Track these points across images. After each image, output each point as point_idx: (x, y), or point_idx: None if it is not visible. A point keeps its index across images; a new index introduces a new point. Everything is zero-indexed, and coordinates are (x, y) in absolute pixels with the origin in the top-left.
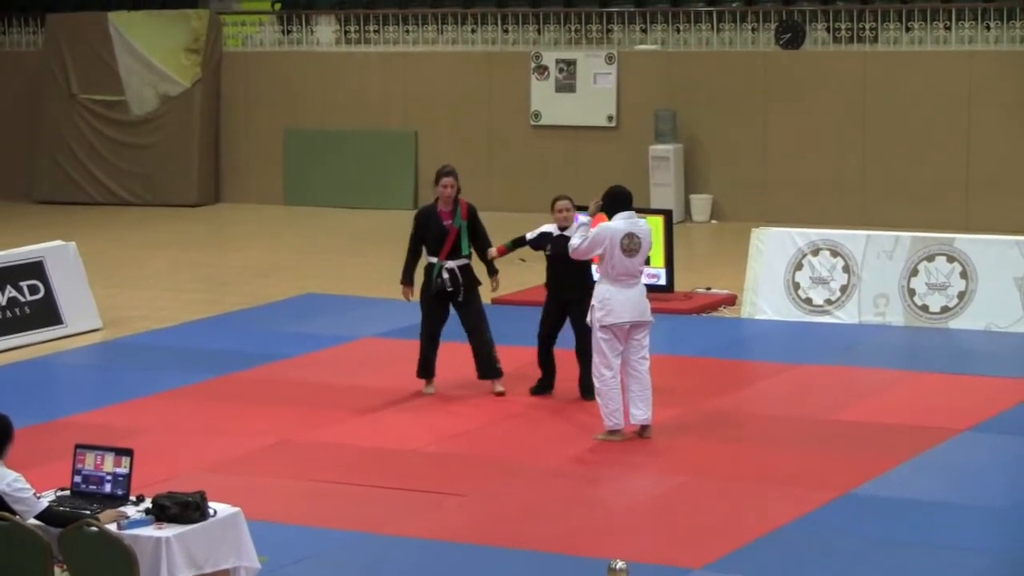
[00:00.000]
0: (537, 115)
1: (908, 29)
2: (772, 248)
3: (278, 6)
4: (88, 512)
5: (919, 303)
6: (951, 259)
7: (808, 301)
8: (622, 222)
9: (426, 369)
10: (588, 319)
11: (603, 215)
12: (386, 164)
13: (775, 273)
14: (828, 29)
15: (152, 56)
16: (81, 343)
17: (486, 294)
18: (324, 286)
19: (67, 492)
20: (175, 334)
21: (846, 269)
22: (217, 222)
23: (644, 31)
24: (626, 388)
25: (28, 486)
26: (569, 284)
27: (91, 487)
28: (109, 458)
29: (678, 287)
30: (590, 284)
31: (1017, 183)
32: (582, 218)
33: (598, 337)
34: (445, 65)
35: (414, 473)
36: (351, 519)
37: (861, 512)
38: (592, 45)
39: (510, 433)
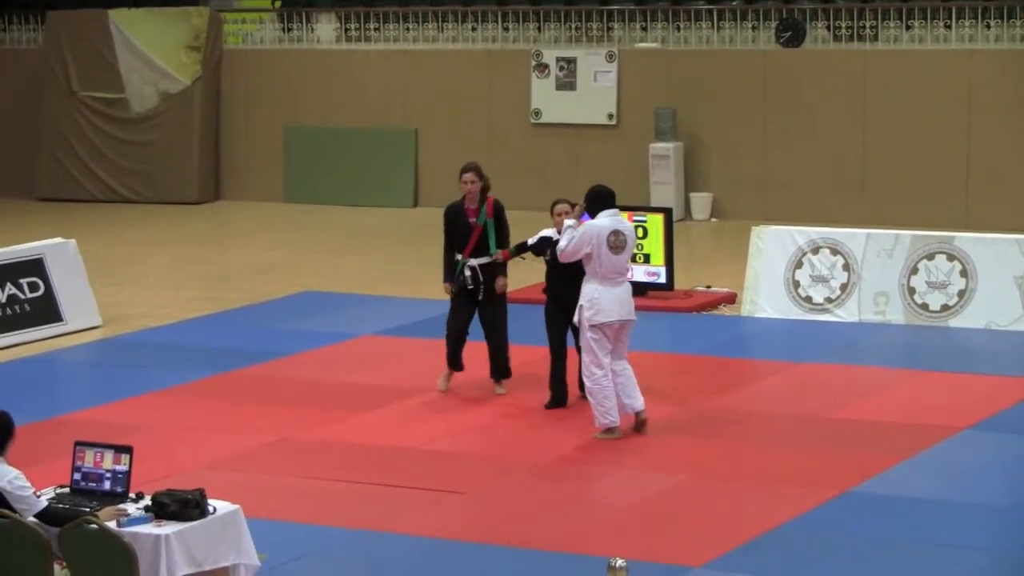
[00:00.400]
0: (537, 113)
1: (908, 27)
2: (772, 246)
3: (278, 4)
4: (87, 510)
5: (919, 301)
6: (951, 257)
7: (808, 299)
8: (607, 220)
9: (453, 359)
10: (576, 319)
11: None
12: (386, 162)
13: (775, 271)
14: (828, 27)
15: (152, 53)
16: (81, 340)
17: None
18: (324, 284)
19: (67, 489)
20: (175, 331)
21: (846, 267)
22: (217, 219)
23: (644, 29)
24: (614, 384)
25: (28, 484)
26: (569, 287)
27: (90, 484)
28: (108, 455)
29: (678, 285)
30: None
31: (1017, 181)
32: (568, 221)
33: (588, 337)
34: (445, 63)
35: (413, 471)
36: (350, 517)
37: (861, 511)
38: (592, 43)
39: (510, 431)
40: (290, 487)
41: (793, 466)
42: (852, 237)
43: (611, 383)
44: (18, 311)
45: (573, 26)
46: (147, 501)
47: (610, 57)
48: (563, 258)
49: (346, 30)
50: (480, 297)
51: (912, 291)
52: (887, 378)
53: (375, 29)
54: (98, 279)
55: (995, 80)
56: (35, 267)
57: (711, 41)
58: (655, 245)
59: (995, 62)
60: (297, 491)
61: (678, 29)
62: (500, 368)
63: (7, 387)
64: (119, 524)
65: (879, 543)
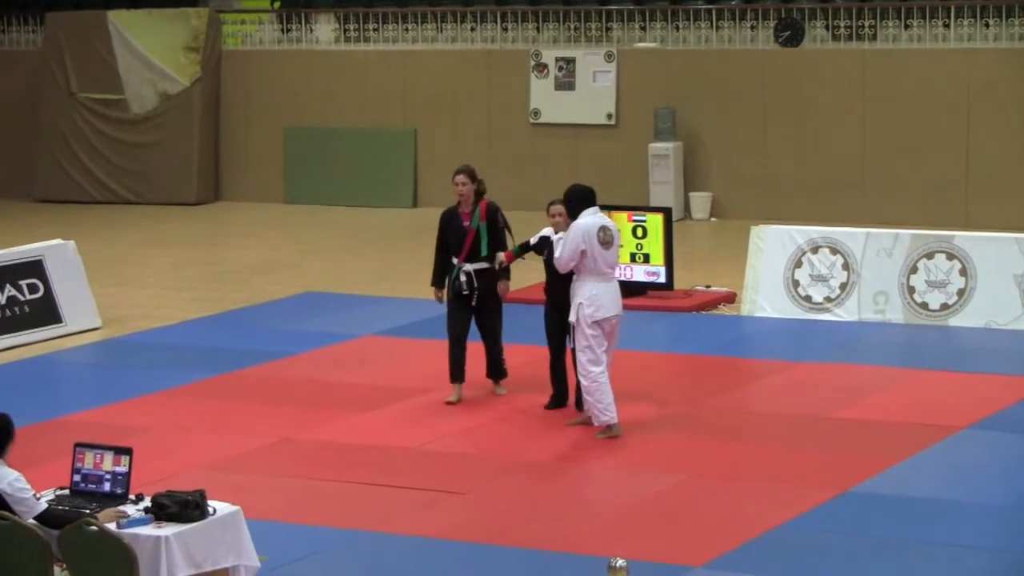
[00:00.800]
0: (536, 113)
1: (907, 27)
2: (772, 246)
3: (277, 4)
4: (87, 511)
5: (919, 300)
6: (950, 256)
7: (808, 299)
8: (591, 218)
9: (455, 372)
10: (574, 317)
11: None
12: (386, 162)
13: (775, 271)
14: (827, 27)
15: (152, 54)
16: (80, 342)
17: None
18: (324, 284)
19: (66, 491)
20: (174, 333)
21: (845, 267)
22: (217, 220)
23: (643, 29)
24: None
25: (28, 486)
26: (567, 289)
27: (90, 486)
28: (108, 457)
29: (678, 285)
30: None
31: (1017, 180)
32: (546, 231)
33: (587, 334)
34: (444, 63)
35: (413, 471)
36: (350, 517)
37: (861, 510)
38: (591, 43)
39: (509, 431)
40: (290, 488)
41: (793, 465)
42: (851, 236)
43: (608, 380)
44: (17, 312)
45: (572, 26)
46: (147, 503)
47: (609, 57)
48: (562, 266)
49: (345, 31)
50: (474, 303)
51: (912, 290)
52: (887, 377)
53: (374, 30)
54: (97, 280)
55: (994, 79)
56: (34, 268)
57: (710, 41)
58: (654, 245)
59: (994, 61)
60: (297, 492)
61: (677, 29)
62: (497, 370)
63: (6, 389)
64: (119, 526)
65: (879, 542)
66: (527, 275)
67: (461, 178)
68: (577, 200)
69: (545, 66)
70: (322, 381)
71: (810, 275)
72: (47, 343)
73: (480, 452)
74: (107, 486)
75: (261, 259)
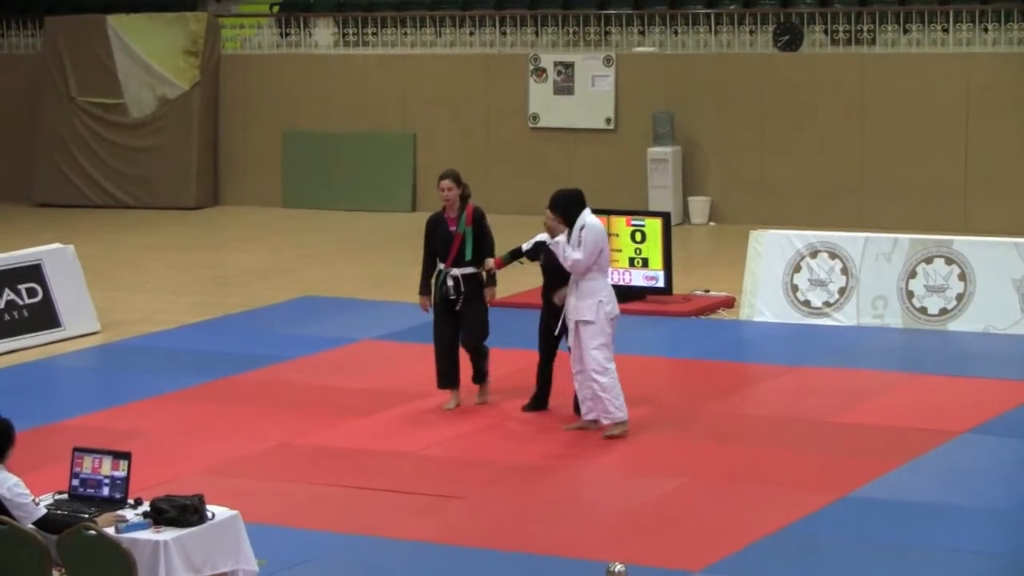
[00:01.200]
0: (535, 117)
1: (906, 31)
2: (770, 250)
3: (276, 9)
4: (86, 516)
5: (917, 305)
6: (949, 261)
7: (806, 303)
8: (594, 218)
9: (444, 379)
10: (592, 316)
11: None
12: (384, 166)
13: (773, 275)
14: (826, 31)
15: (150, 59)
16: (79, 346)
17: None
18: (322, 288)
19: (65, 495)
20: (173, 337)
21: (844, 271)
22: (215, 224)
23: (642, 33)
24: (581, 384)
25: (27, 491)
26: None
27: (89, 490)
28: (107, 461)
29: (676, 289)
30: None
31: (1015, 184)
32: (541, 236)
33: (606, 332)
34: (443, 67)
35: (412, 476)
36: (349, 522)
37: (861, 514)
38: (590, 47)
39: (508, 436)
40: (289, 492)
41: (792, 470)
42: (850, 241)
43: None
44: (16, 317)
45: (571, 30)
46: (146, 507)
47: (608, 61)
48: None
49: (344, 35)
50: (458, 308)
51: (910, 295)
52: (886, 382)
53: (373, 34)
54: (96, 284)
55: (993, 83)
56: (33, 273)
57: (709, 45)
58: (653, 249)
59: (993, 65)
60: (296, 496)
61: (676, 33)
62: (478, 375)
63: (5, 393)
64: (117, 530)
65: (878, 547)
66: (523, 280)
67: (446, 183)
68: (571, 205)
69: (544, 70)
70: (321, 385)
71: (809, 280)
72: (46, 347)
73: (478, 456)
74: (106, 490)
75: (260, 263)
